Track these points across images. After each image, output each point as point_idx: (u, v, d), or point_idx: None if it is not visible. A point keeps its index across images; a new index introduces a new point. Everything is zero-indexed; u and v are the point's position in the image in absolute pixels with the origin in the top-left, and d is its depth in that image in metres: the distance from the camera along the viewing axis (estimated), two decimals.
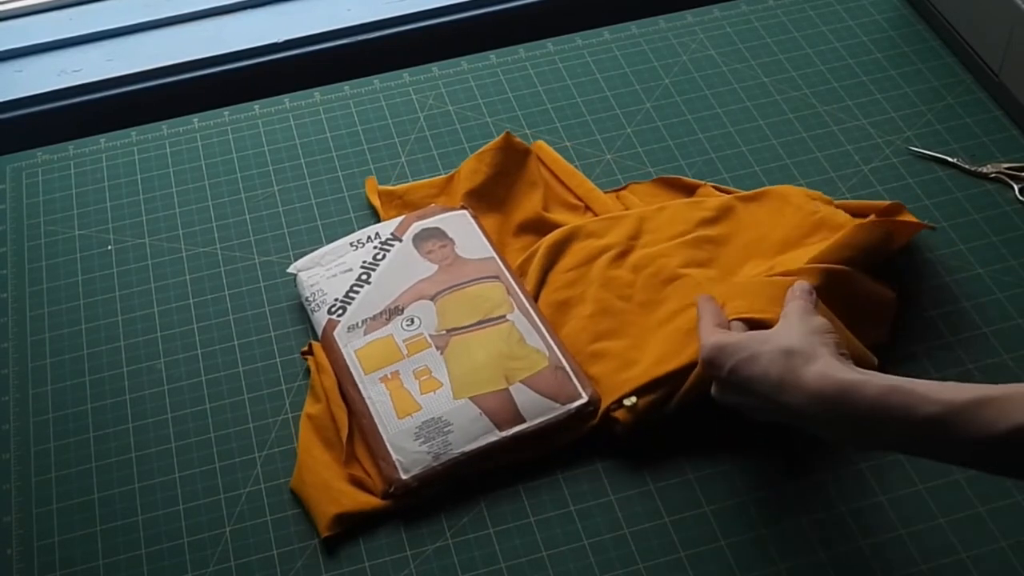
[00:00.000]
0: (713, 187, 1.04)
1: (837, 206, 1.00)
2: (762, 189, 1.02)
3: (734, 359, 0.77)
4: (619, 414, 0.86)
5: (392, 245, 0.98)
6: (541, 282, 0.96)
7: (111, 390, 0.93)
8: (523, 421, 0.86)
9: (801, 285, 0.84)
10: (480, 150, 1.06)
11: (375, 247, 0.98)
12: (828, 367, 0.73)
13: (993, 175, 1.04)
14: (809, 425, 0.75)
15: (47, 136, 1.15)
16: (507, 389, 0.88)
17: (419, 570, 0.82)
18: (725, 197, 1.01)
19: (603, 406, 0.87)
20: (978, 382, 0.88)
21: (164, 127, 1.15)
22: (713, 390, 0.81)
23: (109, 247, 1.04)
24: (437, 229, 0.99)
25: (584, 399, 0.87)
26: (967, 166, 1.05)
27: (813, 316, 0.80)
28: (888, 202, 1.00)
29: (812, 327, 0.78)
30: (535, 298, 0.95)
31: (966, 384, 0.69)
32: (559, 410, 0.87)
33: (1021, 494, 0.83)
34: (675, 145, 1.09)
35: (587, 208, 1.03)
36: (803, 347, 0.75)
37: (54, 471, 0.88)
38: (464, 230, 0.99)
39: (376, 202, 1.04)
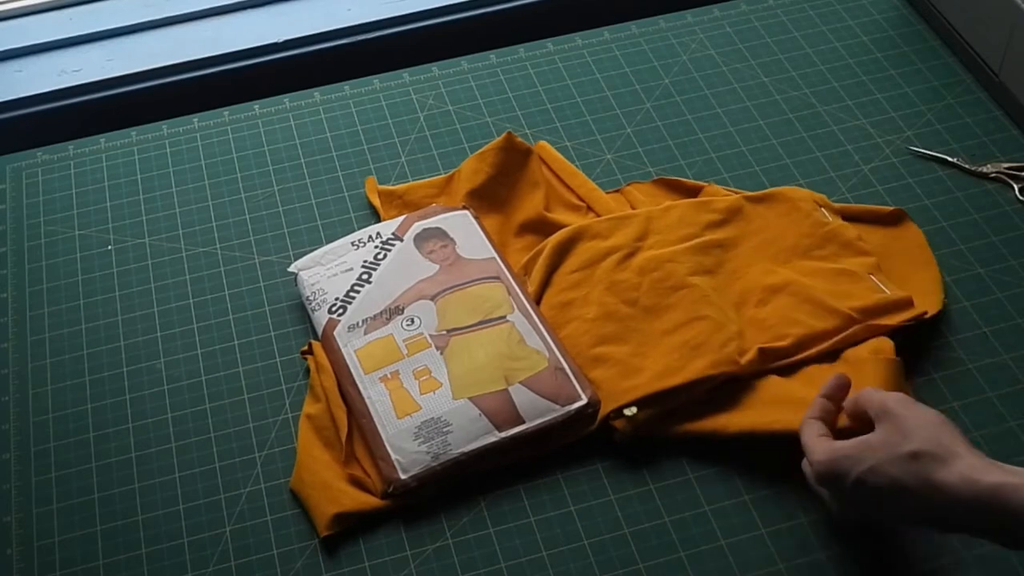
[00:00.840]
0: (715, 189, 1.04)
1: (838, 210, 1.00)
2: (769, 190, 1.02)
3: (855, 472, 0.72)
4: (618, 423, 0.86)
5: (393, 245, 0.98)
6: (546, 282, 0.96)
7: (111, 390, 0.93)
8: (522, 422, 0.86)
9: (885, 393, 0.78)
10: (481, 150, 1.06)
11: (376, 247, 0.98)
12: (971, 469, 0.68)
13: (993, 175, 1.04)
14: (953, 529, 0.71)
15: (47, 136, 1.15)
16: (507, 390, 0.88)
17: (419, 570, 0.82)
18: (732, 198, 1.01)
19: (603, 412, 0.87)
20: (978, 381, 0.89)
21: (164, 127, 1.15)
22: (832, 504, 0.77)
23: (109, 247, 1.04)
24: (438, 229, 0.99)
25: (584, 401, 0.87)
26: (967, 166, 1.05)
27: (923, 410, 0.74)
28: (889, 208, 1.00)
29: (930, 421, 0.72)
30: (539, 298, 0.95)
31: None
32: (558, 412, 0.87)
33: None
34: (675, 145, 1.09)
35: (589, 208, 1.03)
36: (931, 448, 0.70)
37: (54, 471, 0.88)
38: (465, 230, 0.99)
39: (376, 202, 1.04)
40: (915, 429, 0.72)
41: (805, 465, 0.79)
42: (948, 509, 0.69)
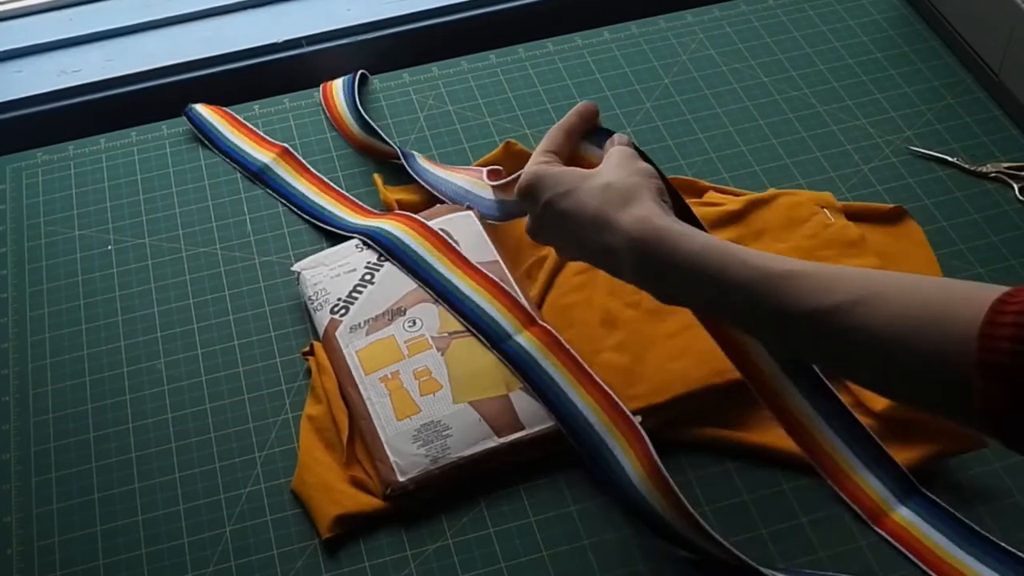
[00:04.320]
0: (716, 190, 1.04)
1: (840, 208, 1.00)
2: (771, 192, 1.02)
3: (551, 192, 0.74)
4: None
5: None
6: (548, 285, 0.96)
7: (111, 390, 0.93)
8: (522, 428, 0.86)
9: (622, 136, 0.81)
10: (483, 158, 1.06)
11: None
12: (648, 211, 0.70)
13: (993, 175, 1.04)
14: (618, 269, 0.72)
15: (47, 136, 1.15)
16: (507, 396, 0.88)
17: (419, 570, 0.82)
18: (735, 201, 1.01)
19: None
20: None
21: (164, 127, 1.15)
22: (527, 224, 0.78)
23: (109, 247, 1.04)
24: (442, 230, 0.99)
25: None
26: (967, 166, 1.05)
27: (637, 160, 0.77)
28: (890, 206, 1.00)
29: (635, 169, 0.75)
30: (541, 301, 0.95)
31: (786, 258, 0.67)
32: None
33: (1021, 494, 0.83)
34: (675, 145, 1.09)
35: None
36: (624, 187, 0.72)
37: (54, 471, 0.88)
38: (469, 232, 0.99)
39: (387, 196, 1.04)
40: (621, 170, 0.74)
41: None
42: (617, 244, 0.70)
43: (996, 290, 0.58)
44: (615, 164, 0.75)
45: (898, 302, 0.61)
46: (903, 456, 0.83)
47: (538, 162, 0.79)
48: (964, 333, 0.56)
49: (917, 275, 0.64)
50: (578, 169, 0.77)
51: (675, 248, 0.68)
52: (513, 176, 0.87)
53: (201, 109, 1.14)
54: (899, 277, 0.64)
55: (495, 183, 0.95)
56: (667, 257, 0.68)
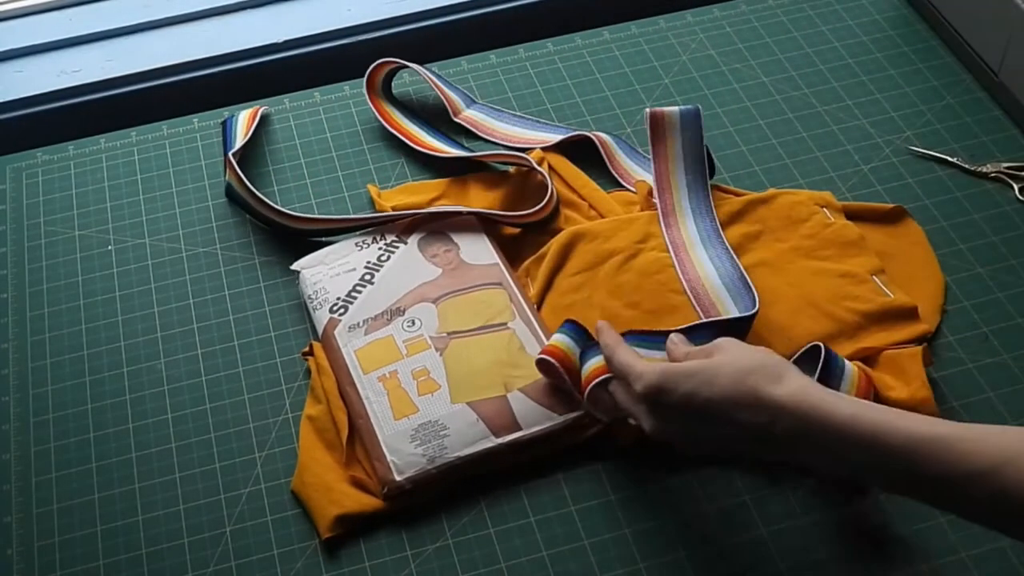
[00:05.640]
0: (716, 188, 1.04)
1: (840, 208, 1.00)
2: (771, 192, 1.02)
3: (689, 383, 0.74)
4: (622, 431, 0.86)
5: (397, 247, 0.98)
6: (548, 285, 0.96)
7: (111, 390, 0.93)
8: (520, 429, 0.86)
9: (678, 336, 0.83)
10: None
11: (380, 248, 0.98)
12: (803, 383, 0.72)
13: (993, 175, 1.04)
14: (766, 444, 0.73)
15: (47, 136, 1.15)
16: (505, 396, 0.88)
17: (419, 570, 0.82)
18: (735, 200, 1.01)
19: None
20: (978, 381, 0.89)
21: (164, 127, 1.15)
22: (650, 421, 0.77)
23: (109, 247, 1.04)
24: (443, 233, 0.99)
25: (582, 410, 0.87)
26: (967, 166, 1.05)
27: (756, 347, 0.78)
28: (890, 205, 1.00)
29: (766, 352, 0.76)
30: (541, 301, 0.95)
31: (935, 419, 0.69)
32: (557, 420, 0.86)
33: None
34: None
35: (591, 207, 1.03)
36: (767, 366, 0.73)
37: (54, 471, 0.88)
38: (470, 235, 0.99)
39: (382, 205, 1.04)
40: (749, 353, 0.75)
41: (615, 387, 0.81)
42: (770, 421, 0.71)
43: None
44: (737, 346, 0.77)
45: None
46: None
47: (648, 366, 0.77)
48: None
49: None
50: (701, 361, 0.76)
51: (829, 417, 0.70)
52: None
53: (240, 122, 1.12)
54: None
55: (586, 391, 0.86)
56: (821, 427, 0.70)
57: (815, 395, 0.71)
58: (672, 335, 0.83)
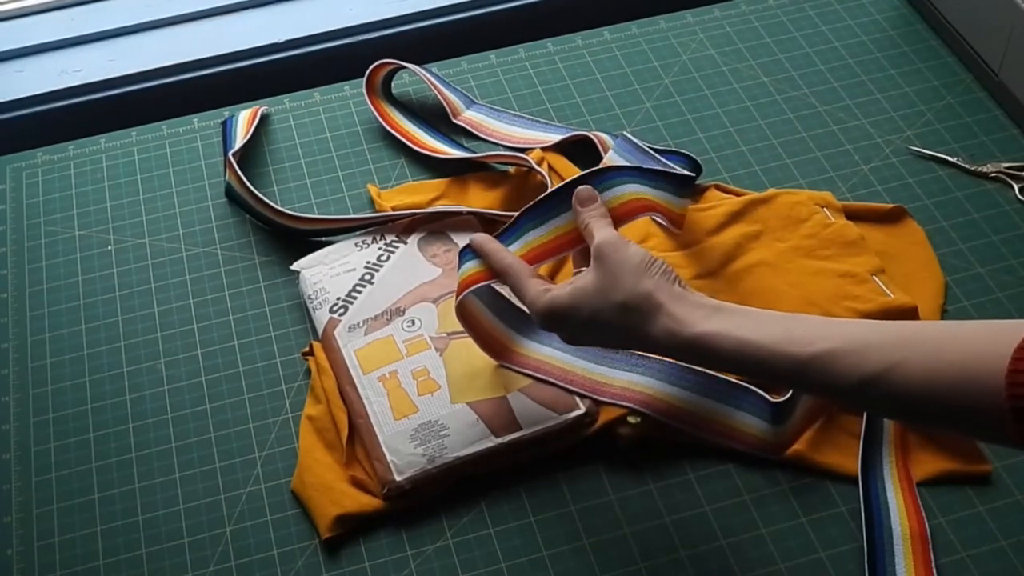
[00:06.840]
0: (717, 187, 1.04)
1: (840, 208, 1.00)
2: (771, 192, 1.02)
3: (574, 321, 0.75)
4: (622, 431, 0.86)
5: (397, 247, 0.98)
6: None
7: (111, 390, 0.93)
8: (519, 429, 0.86)
9: (590, 193, 0.82)
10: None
11: (380, 248, 0.98)
12: (672, 322, 0.72)
13: (993, 175, 1.04)
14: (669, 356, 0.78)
15: (47, 136, 1.15)
16: (505, 396, 0.88)
17: (419, 570, 0.82)
18: (734, 201, 1.01)
19: (603, 419, 0.86)
20: None
21: (164, 127, 1.15)
22: (561, 338, 0.79)
23: (109, 247, 1.04)
24: (443, 233, 0.99)
25: (582, 410, 0.87)
26: (967, 166, 1.05)
27: (627, 247, 0.76)
28: (890, 205, 1.00)
29: (633, 268, 0.74)
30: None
31: (813, 332, 0.69)
32: (556, 420, 0.86)
33: (1021, 493, 0.83)
34: (675, 145, 1.09)
35: None
36: (637, 302, 0.73)
37: (54, 471, 0.88)
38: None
39: (382, 205, 1.04)
40: (623, 276, 0.74)
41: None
42: (665, 352, 0.74)
43: (1015, 332, 0.60)
44: (621, 267, 0.75)
45: (925, 366, 0.64)
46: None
47: (536, 294, 0.78)
48: (993, 387, 0.60)
49: (939, 328, 0.66)
50: (582, 287, 0.75)
51: (711, 353, 0.71)
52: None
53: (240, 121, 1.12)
54: (922, 336, 0.66)
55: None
56: (708, 358, 0.72)
57: (688, 333, 0.71)
58: (579, 189, 0.81)
